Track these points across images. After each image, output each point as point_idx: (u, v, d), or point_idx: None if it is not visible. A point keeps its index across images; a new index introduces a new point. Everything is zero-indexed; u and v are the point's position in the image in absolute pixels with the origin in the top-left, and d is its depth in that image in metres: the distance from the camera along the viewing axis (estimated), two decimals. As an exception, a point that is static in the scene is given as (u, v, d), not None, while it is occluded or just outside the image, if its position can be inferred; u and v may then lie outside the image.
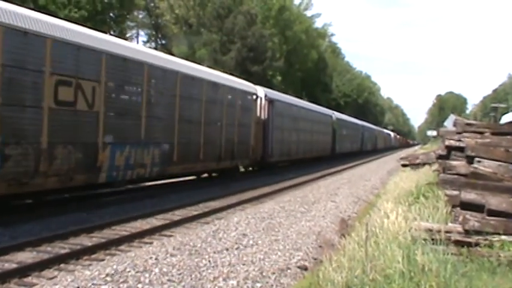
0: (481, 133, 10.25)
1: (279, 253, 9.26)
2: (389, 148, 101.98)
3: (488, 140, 9.55)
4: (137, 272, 7.49)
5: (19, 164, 10.76)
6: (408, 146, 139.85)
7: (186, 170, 18.59)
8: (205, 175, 21.90)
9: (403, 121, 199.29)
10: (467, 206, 7.54)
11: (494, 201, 7.33)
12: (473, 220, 7.25)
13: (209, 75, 20.47)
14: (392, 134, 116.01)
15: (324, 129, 41.94)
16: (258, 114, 25.72)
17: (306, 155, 36.02)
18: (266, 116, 26.34)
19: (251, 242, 9.99)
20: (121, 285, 6.91)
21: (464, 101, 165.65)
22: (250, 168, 27.10)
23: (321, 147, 40.83)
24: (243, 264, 8.30)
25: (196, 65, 21.73)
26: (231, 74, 29.31)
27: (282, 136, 29.11)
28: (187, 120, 17.90)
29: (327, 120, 43.18)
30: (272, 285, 7.50)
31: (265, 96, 26.53)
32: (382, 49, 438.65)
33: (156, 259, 8.23)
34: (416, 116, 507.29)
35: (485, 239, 7.01)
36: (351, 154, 53.13)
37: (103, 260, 8.42)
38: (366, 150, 65.42)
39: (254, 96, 25.16)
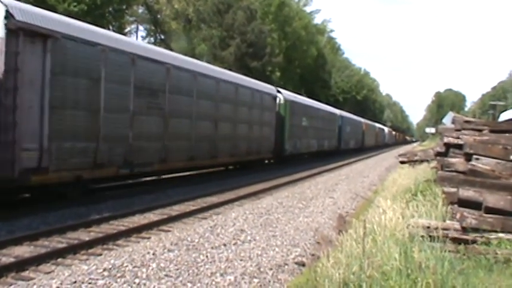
0: (479, 130, 10.25)
1: (277, 249, 9.27)
2: (383, 146, 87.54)
3: (486, 138, 9.54)
4: (135, 266, 7.49)
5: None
6: (406, 143, 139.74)
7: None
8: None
9: (402, 118, 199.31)
10: (465, 203, 7.54)
11: (492, 199, 7.33)
12: (471, 217, 7.25)
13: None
14: (386, 129, 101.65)
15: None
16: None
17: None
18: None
19: (249, 237, 10.00)
20: (118, 280, 6.91)
21: (463, 98, 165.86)
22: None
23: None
24: (241, 260, 8.31)
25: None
26: (230, 69, 29.33)
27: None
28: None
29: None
30: (269, 281, 7.50)
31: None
32: (382, 46, 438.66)
33: (153, 254, 8.24)
34: (415, 112, 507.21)
35: (483, 237, 7.02)
36: (315, 155, 39.46)
37: (100, 254, 8.43)
38: (347, 149, 51.90)
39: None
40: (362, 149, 62.28)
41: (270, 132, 27.31)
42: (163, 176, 18.83)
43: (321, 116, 39.89)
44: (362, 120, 65.27)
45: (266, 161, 29.37)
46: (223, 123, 21.04)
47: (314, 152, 38.65)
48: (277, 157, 29.65)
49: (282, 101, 29.29)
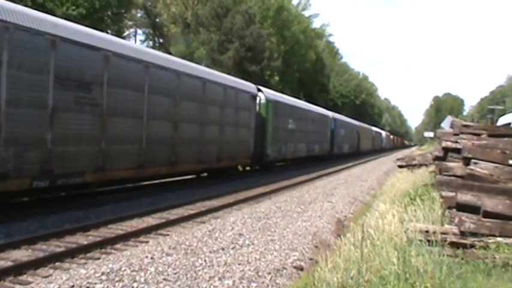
0: (477, 135, 10.25)
1: (275, 253, 9.27)
2: (380, 150, 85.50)
3: (485, 142, 9.55)
4: (133, 271, 7.49)
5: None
6: (405, 147, 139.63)
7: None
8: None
9: (401, 122, 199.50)
10: (463, 207, 7.54)
11: (490, 203, 7.33)
12: (469, 222, 7.25)
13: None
14: (384, 132, 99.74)
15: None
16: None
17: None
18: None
19: (247, 241, 9.99)
20: (116, 284, 6.91)
21: (461, 103, 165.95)
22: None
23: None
24: (239, 264, 8.30)
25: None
26: (228, 73, 29.25)
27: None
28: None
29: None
30: (268, 285, 7.50)
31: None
32: (380, 50, 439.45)
33: (151, 258, 8.23)
34: (414, 117, 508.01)
35: (481, 241, 7.01)
36: (304, 161, 38.02)
37: (98, 258, 8.41)
38: (341, 154, 49.89)
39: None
40: (357, 153, 59.59)
41: (248, 135, 24.30)
42: (161, 180, 18.69)
43: (310, 118, 37.14)
44: (357, 123, 62.40)
45: (247, 168, 26.97)
46: (186, 124, 18.12)
47: (303, 157, 36.29)
48: (257, 163, 26.86)
49: (263, 101, 26.52)
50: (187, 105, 18.28)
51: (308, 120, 36.07)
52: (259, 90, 26.33)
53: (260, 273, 7.93)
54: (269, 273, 8.03)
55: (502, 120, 32.66)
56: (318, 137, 39.62)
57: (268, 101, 26.92)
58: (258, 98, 25.95)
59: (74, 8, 28.59)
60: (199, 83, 19.30)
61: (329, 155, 43.89)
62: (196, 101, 19.05)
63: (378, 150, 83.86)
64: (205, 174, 21.89)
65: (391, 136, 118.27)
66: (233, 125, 22.46)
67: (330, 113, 46.25)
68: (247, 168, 27.01)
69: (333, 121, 45.53)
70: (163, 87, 16.68)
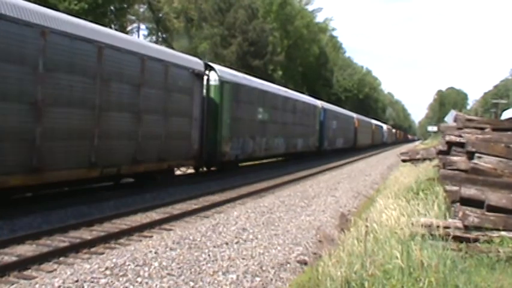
0: (481, 129, 10.24)
1: (279, 247, 9.28)
2: (381, 145, 78.60)
3: (488, 136, 9.53)
4: (136, 265, 7.50)
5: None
6: (408, 141, 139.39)
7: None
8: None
9: (404, 116, 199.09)
10: (467, 201, 7.53)
11: (494, 197, 7.32)
12: (473, 216, 7.24)
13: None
14: (385, 126, 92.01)
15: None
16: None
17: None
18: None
19: (251, 236, 10.00)
20: (120, 278, 6.92)
21: (465, 97, 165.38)
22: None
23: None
24: (243, 259, 8.31)
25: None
26: (232, 68, 28.89)
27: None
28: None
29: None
30: (271, 280, 7.51)
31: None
32: (383, 44, 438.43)
33: (155, 253, 8.24)
34: (417, 111, 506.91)
35: (485, 235, 7.01)
36: (296, 157, 33.38)
37: (102, 253, 8.43)
38: (334, 150, 43.85)
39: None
40: (354, 149, 53.02)
41: (187, 127, 17.82)
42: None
43: (291, 107, 30.82)
44: (354, 114, 55.77)
45: (190, 171, 21.31)
46: (58, 108, 11.87)
47: (281, 155, 30.62)
48: (208, 164, 21.12)
49: (215, 82, 20.10)
50: (63, 80, 12.03)
51: (288, 109, 30.17)
52: (208, 67, 20.11)
53: (264, 268, 7.94)
54: (273, 267, 8.04)
55: (505, 114, 32.59)
56: (302, 130, 33.17)
57: (223, 82, 20.51)
58: (205, 78, 19.58)
59: (76, 2, 28.59)
60: (92, 49, 12.92)
61: (318, 152, 38.11)
62: (87, 74, 12.78)
63: (379, 145, 77.73)
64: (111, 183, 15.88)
65: (394, 130, 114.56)
66: (160, 112, 16.02)
67: (319, 102, 39.83)
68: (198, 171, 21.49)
69: (323, 111, 39.30)
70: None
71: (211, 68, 20.21)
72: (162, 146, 16.29)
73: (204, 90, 19.42)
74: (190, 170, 21.43)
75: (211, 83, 20.10)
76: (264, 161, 29.35)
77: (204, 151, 19.34)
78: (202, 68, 19.10)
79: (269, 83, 30.13)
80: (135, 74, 14.77)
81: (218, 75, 20.28)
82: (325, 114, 39.58)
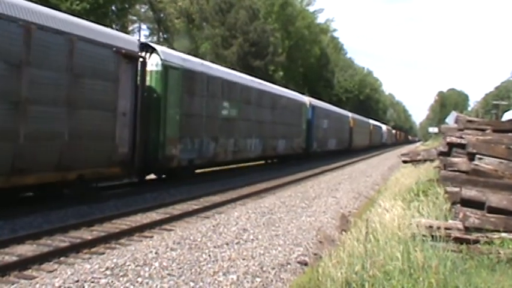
0: (482, 130, 10.24)
1: (279, 248, 9.28)
2: (380, 147, 75.85)
3: (489, 137, 9.53)
4: (137, 265, 7.51)
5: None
6: (408, 142, 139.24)
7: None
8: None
9: (405, 117, 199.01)
10: (467, 203, 7.53)
11: (495, 199, 7.32)
12: (474, 217, 7.24)
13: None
14: (384, 126, 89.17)
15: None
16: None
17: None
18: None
19: (251, 236, 10.00)
20: (121, 278, 6.92)
21: (466, 98, 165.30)
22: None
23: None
24: (243, 259, 8.31)
25: None
26: (233, 68, 28.83)
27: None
28: None
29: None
30: (272, 280, 7.51)
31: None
32: (384, 45, 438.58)
33: (156, 253, 8.25)
34: (418, 112, 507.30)
35: (485, 236, 7.00)
36: (282, 161, 30.46)
37: (103, 253, 8.44)
38: (324, 151, 39.70)
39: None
40: (349, 151, 49.37)
41: (109, 125, 13.59)
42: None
43: (269, 103, 26.51)
44: (348, 113, 52.31)
45: (117, 184, 16.07)
46: None
47: (257, 158, 26.45)
48: (142, 172, 16.38)
49: (156, 67, 15.87)
50: None
51: (265, 105, 25.84)
52: (147, 48, 15.92)
53: (264, 269, 7.94)
54: (273, 268, 8.04)
55: (506, 116, 32.57)
56: (284, 129, 28.84)
57: (168, 68, 16.23)
58: (140, 61, 14.93)
59: (78, 2, 28.61)
60: None
61: (305, 154, 34.05)
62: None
63: (378, 146, 74.38)
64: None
65: (393, 131, 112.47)
66: (59, 103, 11.88)
67: (306, 99, 35.75)
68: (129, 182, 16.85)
69: (311, 109, 35.18)
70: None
71: (153, 50, 16.01)
72: (65, 149, 12.03)
73: (139, 77, 14.87)
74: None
75: (151, 68, 15.79)
76: (235, 166, 25.24)
77: (137, 155, 14.62)
78: (135, 48, 14.67)
79: (240, 74, 25.70)
80: (14, 48, 10.61)
81: (161, 59, 15.99)
82: (314, 112, 35.67)
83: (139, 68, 14.85)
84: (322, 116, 38.59)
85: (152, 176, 17.88)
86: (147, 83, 15.70)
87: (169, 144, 16.44)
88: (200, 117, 18.64)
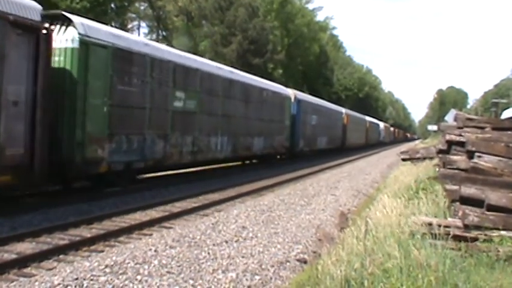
0: (481, 128, 10.24)
1: (278, 246, 9.28)
2: (377, 145, 73.18)
3: (488, 135, 9.53)
4: (136, 263, 7.51)
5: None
6: (407, 140, 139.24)
7: None
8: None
9: (404, 115, 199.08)
10: (466, 200, 7.53)
11: (494, 197, 7.32)
12: (473, 215, 7.25)
13: None
14: (382, 124, 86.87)
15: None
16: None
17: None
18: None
19: (250, 234, 10.01)
20: (120, 276, 6.92)
21: (465, 96, 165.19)
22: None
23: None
24: (242, 257, 8.32)
25: None
26: (232, 66, 28.75)
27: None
28: None
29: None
30: (271, 278, 7.51)
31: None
32: (384, 43, 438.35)
33: (155, 251, 8.25)
34: (417, 110, 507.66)
35: (484, 234, 7.01)
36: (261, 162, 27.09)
37: (102, 251, 8.44)
38: (313, 150, 36.44)
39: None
40: (342, 149, 46.29)
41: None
42: (164, 173, 18.56)
43: (241, 95, 22.58)
44: (342, 109, 48.82)
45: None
46: None
47: (228, 159, 22.54)
48: (44, 179, 11.49)
49: (72, 44, 12.23)
50: None
51: (235, 97, 22.02)
52: (58, 18, 12.49)
53: (263, 266, 7.95)
54: (272, 266, 8.04)
55: (506, 114, 32.58)
56: (261, 126, 25.12)
57: (88, 44, 12.58)
58: (42, 34, 11.10)
59: (78, 1, 28.58)
60: None
61: (290, 154, 30.85)
62: None
63: (375, 144, 71.11)
64: None
65: (392, 128, 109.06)
66: None
67: (290, 91, 31.74)
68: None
69: (296, 103, 31.41)
70: None
71: (69, 22, 12.38)
72: None
73: (42, 56, 11.07)
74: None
75: (64, 44, 12.25)
76: (195, 169, 21.13)
77: (38, 159, 10.99)
78: (35, 17, 10.86)
79: (200, 58, 22.09)
80: None
81: (79, 33, 12.30)
82: (299, 107, 31.79)
83: (42, 43, 11.06)
84: (310, 111, 34.98)
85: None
86: (58, 63, 12.11)
87: (92, 144, 12.82)
88: (141, 109, 14.88)
